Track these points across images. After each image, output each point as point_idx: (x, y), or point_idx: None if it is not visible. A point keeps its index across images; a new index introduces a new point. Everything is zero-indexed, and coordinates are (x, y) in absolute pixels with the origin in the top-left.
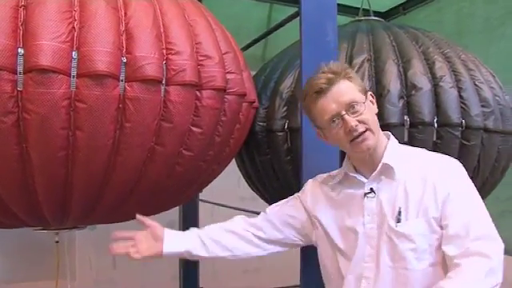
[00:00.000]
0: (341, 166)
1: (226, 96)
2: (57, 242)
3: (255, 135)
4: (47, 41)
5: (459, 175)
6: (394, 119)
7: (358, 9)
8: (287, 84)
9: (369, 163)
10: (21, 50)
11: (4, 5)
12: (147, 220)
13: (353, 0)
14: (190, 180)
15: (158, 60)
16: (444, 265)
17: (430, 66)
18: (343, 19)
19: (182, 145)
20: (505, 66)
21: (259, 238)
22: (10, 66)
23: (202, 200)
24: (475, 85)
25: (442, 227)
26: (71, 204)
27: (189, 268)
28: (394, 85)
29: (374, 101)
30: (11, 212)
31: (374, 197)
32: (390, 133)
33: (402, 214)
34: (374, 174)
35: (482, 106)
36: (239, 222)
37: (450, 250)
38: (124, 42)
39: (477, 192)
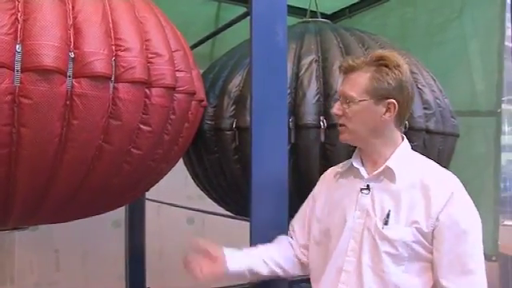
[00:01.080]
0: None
1: (176, 94)
2: None
3: (203, 134)
4: None
5: (462, 203)
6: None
7: (306, 10)
8: (236, 83)
9: (372, 160)
10: None
11: None
12: (199, 241)
13: (300, 1)
14: (137, 179)
15: (107, 56)
16: (421, 273)
17: None
18: (290, 20)
19: (130, 143)
20: (444, 71)
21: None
22: None
23: (148, 199)
24: (418, 88)
25: (428, 242)
26: (14, 204)
27: (135, 267)
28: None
29: (393, 110)
30: None
31: (368, 193)
32: (404, 136)
33: (391, 217)
34: (375, 173)
35: (424, 108)
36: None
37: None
38: (72, 37)
39: (475, 220)
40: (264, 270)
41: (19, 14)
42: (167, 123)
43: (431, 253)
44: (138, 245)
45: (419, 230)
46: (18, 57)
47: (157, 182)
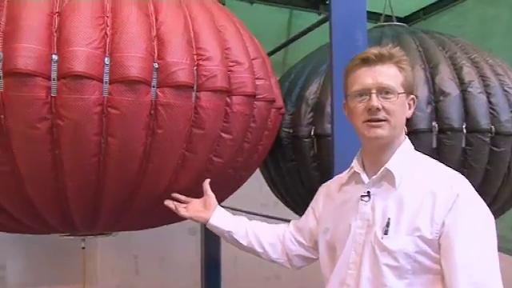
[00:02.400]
0: None
1: (256, 102)
2: (83, 248)
3: (280, 141)
4: (80, 47)
5: (469, 205)
6: (422, 125)
7: (380, 14)
8: (313, 90)
9: (375, 163)
10: (55, 57)
11: (39, 12)
12: (209, 189)
13: (374, 6)
14: (217, 187)
15: (190, 66)
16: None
17: (457, 72)
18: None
19: (212, 151)
20: None
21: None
22: (44, 72)
23: (223, 206)
24: (504, 90)
25: (434, 252)
26: (101, 210)
27: (211, 273)
28: (421, 90)
29: (413, 106)
30: (42, 218)
31: (368, 201)
32: (406, 137)
33: (391, 226)
34: (374, 178)
35: None
36: (283, 226)
37: None
38: (156, 48)
39: (485, 224)
40: (243, 241)
41: (108, 29)
42: (247, 131)
43: (440, 263)
44: (214, 252)
45: (422, 239)
46: (106, 69)
47: (236, 189)
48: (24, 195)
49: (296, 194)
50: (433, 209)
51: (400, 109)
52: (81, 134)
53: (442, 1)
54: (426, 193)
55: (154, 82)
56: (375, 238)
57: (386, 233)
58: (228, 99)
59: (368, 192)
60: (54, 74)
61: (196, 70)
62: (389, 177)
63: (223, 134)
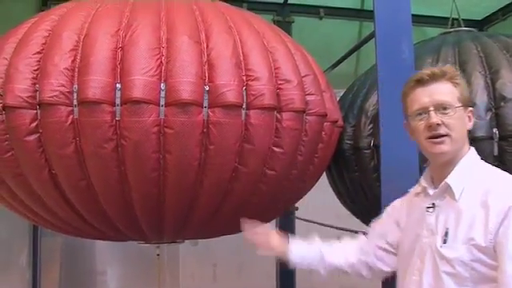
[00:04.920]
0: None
1: (307, 117)
2: (158, 255)
3: (343, 153)
4: (139, 76)
5: None
6: (480, 132)
7: (454, 19)
8: (372, 101)
9: (441, 176)
10: (118, 85)
11: (105, 48)
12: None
13: (444, 11)
14: (275, 198)
15: (238, 86)
16: None
17: None
18: (434, 31)
19: (264, 164)
20: None
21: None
22: (109, 100)
23: (297, 217)
24: None
25: (492, 259)
26: (165, 219)
27: (286, 282)
28: (480, 97)
29: (473, 118)
30: (116, 226)
31: (432, 212)
32: (471, 149)
33: (449, 235)
34: (437, 191)
35: None
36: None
37: None
38: (206, 72)
39: None
40: (321, 270)
41: (163, 58)
42: (300, 144)
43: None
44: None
45: (477, 247)
46: (162, 94)
47: (297, 200)
48: (99, 206)
49: (361, 204)
50: (487, 219)
51: (459, 122)
52: (141, 151)
53: None
54: (482, 203)
55: (205, 103)
56: (435, 246)
57: (444, 242)
58: (278, 115)
59: (433, 204)
60: (117, 101)
61: (245, 89)
62: (449, 190)
63: (274, 148)
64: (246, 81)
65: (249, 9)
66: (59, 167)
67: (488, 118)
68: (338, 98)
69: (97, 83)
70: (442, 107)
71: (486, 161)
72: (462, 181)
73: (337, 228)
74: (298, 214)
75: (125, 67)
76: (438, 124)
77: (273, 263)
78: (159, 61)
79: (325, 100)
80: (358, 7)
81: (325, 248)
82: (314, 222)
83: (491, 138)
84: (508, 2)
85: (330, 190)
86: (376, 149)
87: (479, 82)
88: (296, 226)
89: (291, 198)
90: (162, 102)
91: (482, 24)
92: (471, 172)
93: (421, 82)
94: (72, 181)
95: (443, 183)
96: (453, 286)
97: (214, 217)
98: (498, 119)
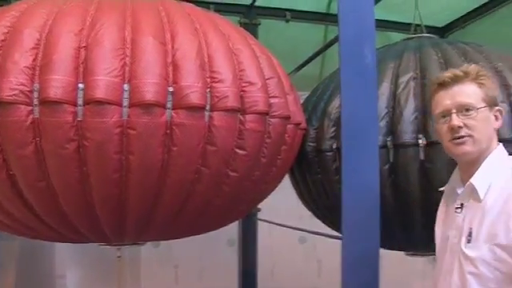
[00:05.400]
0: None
1: (270, 119)
2: (119, 257)
3: (306, 155)
4: (102, 76)
5: None
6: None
7: (416, 25)
8: (335, 104)
9: (468, 176)
10: (81, 85)
11: (68, 47)
12: None
13: (407, 17)
14: (237, 199)
15: (202, 88)
16: None
17: None
18: (399, 36)
19: (227, 166)
20: None
21: None
22: (71, 100)
23: (260, 219)
24: None
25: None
26: (126, 221)
27: (248, 284)
28: None
29: (500, 117)
30: (75, 228)
31: (460, 212)
32: (499, 146)
33: (473, 235)
34: (463, 191)
35: None
36: None
37: None
38: (171, 73)
39: None
40: None
41: (127, 58)
42: (263, 147)
43: None
44: (251, 263)
45: (499, 246)
46: (125, 94)
47: (259, 202)
48: (58, 207)
49: (322, 206)
50: (508, 218)
51: (483, 123)
52: (103, 152)
53: (477, 9)
54: (505, 202)
55: (169, 105)
56: (460, 247)
57: (468, 242)
58: (241, 117)
59: (461, 204)
60: (79, 101)
61: (209, 91)
62: (474, 190)
63: (237, 150)
64: (211, 82)
65: (215, 10)
66: (17, 167)
67: None
68: (302, 101)
69: (59, 82)
70: (464, 109)
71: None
72: (486, 180)
73: (299, 229)
74: (260, 215)
75: (88, 67)
76: (460, 126)
77: (235, 265)
78: (123, 61)
79: (288, 102)
80: (324, 11)
81: None
82: (277, 224)
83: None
84: (467, 12)
85: (293, 191)
86: (338, 151)
87: None
88: (258, 227)
89: (254, 199)
90: (126, 102)
91: (443, 31)
92: (497, 171)
93: (443, 85)
94: (30, 181)
95: (468, 183)
96: (476, 287)
97: (177, 218)
98: None
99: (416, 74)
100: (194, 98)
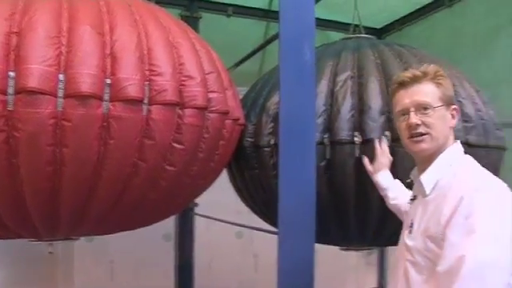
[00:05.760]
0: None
1: (208, 114)
2: (50, 252)
3: (244, 150)
4: (36, 64)
5: (470, 209)
6: (374, 134)
7: (355, 26)
8: (274, 100)
9: (423, 171)
10: (12, 73)
11: None
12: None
13: (346, 17)
14: (174, 194)
15: (140, 81)
16: None
17: None
18: (338, 35)
19: (164, 160)
20: (493, 81)
21: None
22: (1, 88)
23: (197, 214)
24: (458, 100)
25: (439, 247)
26: (59, 216)
27: (185, 279)
28: (375, 101)
29: (456, 116)
30: (3, 223)
31: (411, 204)
32: (454, 144)
33: (414, 227)
34: (415, 185)
35: (464, 121)
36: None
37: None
38: (109, 65)
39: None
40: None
41: (63, 47)
42: (200, 141)
43: None
44: (187, 258)
45: (430, 238)
46: (60, 85)
47: (196, 196)
48: None
49: (260, 201)
50: (440, 212)
51: (439, 121)
52: (36, 144)
53: (413, 13)
54: (442, 198)
55: (106, 97)
56: (404, 236)
57: (410, 232)
58: (180, 111)
59: (415, 196)
60: (10, 90)
61: (148, 84)
62: (422, 186)
63: (175, 144)
64: (149, 75)
65: (157, 2)
66: None
67: (381, 121)
68: (241, 96)
69: None
70: (421, 108)
71: None
72: (434, 177)
73: (237, 224)
74: (197, 210)
75: (20, 54)
76: (418, 124)
77: (171, 260)
78: (59, 50)
79: (227, 98)
80: (266, 8)
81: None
82: (214, 219)
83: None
84: (404, 15)
85: (230, 186)
86: (276, 147)
87: (375, 86)
88: (196, 222)
89: (191, 194)
90: (61, 93)
91: (380, 32)
92: (447, 168)
93: (403, 85)
94: None
95: (418, 179)
96: (414, 274)
97: (112, 212)
98: (390, 123)
99: (353, 73)
100: (132, 90)
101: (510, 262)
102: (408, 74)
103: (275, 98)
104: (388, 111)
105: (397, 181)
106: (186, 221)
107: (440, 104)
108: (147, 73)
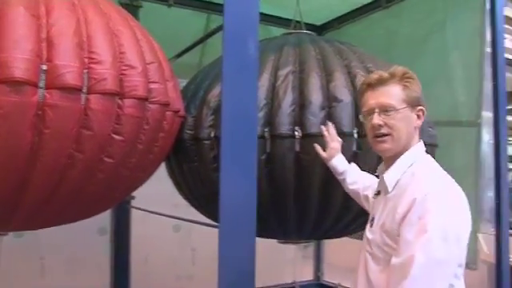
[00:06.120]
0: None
1: (149, 105)
2: None
3: (183, 143)
4: None
5: (422, 210)
6: (314, 129)
7: (297, 22)
8: (215, 93)
9: (388, 168)
10: None
11: None
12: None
13: (287, 12)
14: (112, 187)
15: (79, 68)
16: None
17: (351, 80)
18: (279, 31)
19: (102, 152)
20: (426, 82)
21: None
22: None
23: (133, 207)
24: None
25: (394, 242)
26: None
27: (120, 274)
28: (315, 96)
29: (423, 117)
30: None
31: (375, 199)
32: (418, 144)
33: (375, 221)
34: (379, 182)
35: None
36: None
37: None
38: (44, 50)
39: (438, 229)
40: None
41: None
42: (140, 133)
43: None
44: (123, 253)
45: (385, 232)
46: None
47: (134, 189)
48: None
49: (199, 195)
50: (395, 210)
51: (402, 122)
52: None
53: (352, 12)
54: (399, 196)
55: (41, 84)
56: (366, 230)
57: (371, 226)
58: (119, 102)
59: (379, 191)
60: None
61: (87, 72)
62: (385, 183)
63: (114, 136)
64: (88, 63)
65: None
66: None
67: (322, 116)
68: (180, 88)
69: None
70: (385, 109)
71: None
72: (396, 175)
73: (174, 217)
74: (134, 203)
75: None
76: (380, 125)
77: (107, 255)
78: None
79: (168, 89)
80: None
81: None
82: (151, 212)
83: (322, 135)
84: (343, 13)
85: (168, 179)
86: (216, 140)
87: (316, 82)
88: (132, 215)
89: (129, 187)
90: None
91: (319, 29)
92: (409, 167)
93: (370, 86)
94: None
95: (381, 176)
96: (372, 264)
97: (47, 205)
98: (330, 118)
99: (295, 68)
100: (70, 78)
101: (456, 261)
102: (376, 75)
103: (216, 91)
104: (329, 106)
105: (353, 164)
106: (122, 214)
107: (404, 106)
108: (86, 60)
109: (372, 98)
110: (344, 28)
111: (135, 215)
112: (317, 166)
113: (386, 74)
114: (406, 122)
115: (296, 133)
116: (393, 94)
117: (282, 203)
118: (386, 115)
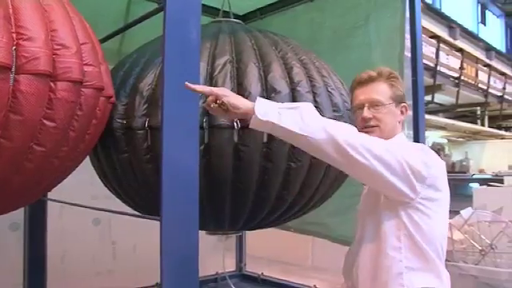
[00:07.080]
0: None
1: (83, 89)
2: None
3: (113, 132)
4: None
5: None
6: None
7: (218, 10)
8: (148, 81)
9: None
10: None
11: None
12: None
13: (212, 1)
14: (40, 177)
15: (7, 44)
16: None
17: (288, 71)
18: (203, 19)
19: (32, 139)
20: (349, 75)
21: None
22: None
23: (50, 199)
24: (328, 91)
25: None
26: None
27: (35, 272)
28: (254, 87)
29: (406, 113)
30: None
31: (363, 189)
32: (399, 135)
33: (361, 209)
34: None
35: (333, 111)
36: None
37: None
38: None
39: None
40: None
41: None
42: (73, 119)
43: None
44: (38, 249)
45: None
46: None
47: (61, 180)
48: None
49: (128, 186)
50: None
51: (388, 116)
52: None
53: (275, 3)
54: None
55: None
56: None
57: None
58: (52, 84)
59: None
60: None
61: (15, 50)
62: None
63: (45, 121)
64: (17, 39)
65: None
66: None
67: None
68: None
69: None
70: (374, 104)
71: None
72: None
73: (93, 209)
74: (49, 195)
75: None
76: (369, 118)
77: (20, 252)
78: None
79: (102, 73)
80: None
81: None
82: (68, 203)
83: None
84: (266, 4)
85: (85, 170)
86: (150, 129)
87: (254, 72)
88: (48, 207)
89: (57, 178)
90: None
91: (242, 19)
92: None
93: (360, 83)
94: None
95: None
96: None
97: None
98: None
99: (232, 58)
100: None
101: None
102: (365, 74)
103: (149, 79)
104: (267, 97)
105: None
106: (37, 208)
107: (390, 102)
108: (14, 36)
109: (362, 94)
110: (267, 19)
111: (51, 209)
112: (255, 156)
113: (374, 73)
114: (392, 116)
115: (235, 124)
116: (381, 92)
117: (219, 194)
118: (375, 109)
